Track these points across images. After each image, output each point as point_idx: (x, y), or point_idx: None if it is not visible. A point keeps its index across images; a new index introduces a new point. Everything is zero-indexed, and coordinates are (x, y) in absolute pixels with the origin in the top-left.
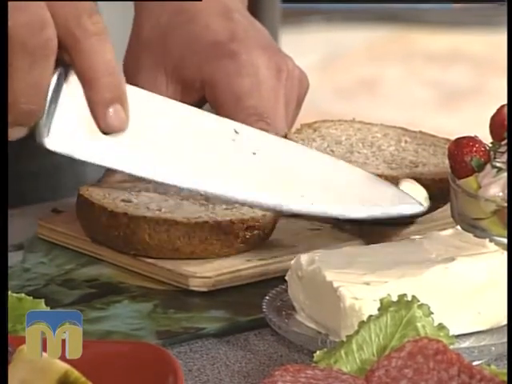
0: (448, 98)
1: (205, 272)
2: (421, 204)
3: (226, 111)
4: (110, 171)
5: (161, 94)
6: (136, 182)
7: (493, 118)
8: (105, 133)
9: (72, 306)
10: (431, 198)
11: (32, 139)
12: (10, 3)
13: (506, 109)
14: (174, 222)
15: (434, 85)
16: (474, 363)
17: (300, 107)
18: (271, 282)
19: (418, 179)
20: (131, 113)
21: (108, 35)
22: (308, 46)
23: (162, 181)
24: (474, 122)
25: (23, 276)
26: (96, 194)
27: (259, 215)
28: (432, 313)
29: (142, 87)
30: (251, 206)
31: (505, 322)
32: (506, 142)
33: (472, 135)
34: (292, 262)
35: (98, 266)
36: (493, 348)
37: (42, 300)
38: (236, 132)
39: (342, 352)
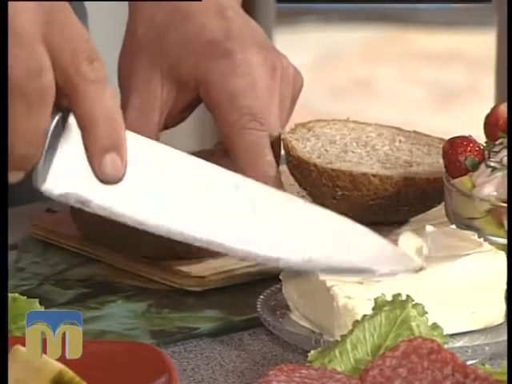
0: (443, 97)
1: (199, 272)
2: (416, 264)
3: (220, 111)
4: None
5: (155, 95)
6: None
7: (487, 118)
8: (101, 180)
9: (66, 306)
10: (425, 197)
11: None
12: (9, 48)
13: (500, 108)
14: None
15: (429, 85)
16: (468, 363)
17: (294, 105)
18: (265, 282)
19: (413, 179)
20: (131, 160)
21: (107, 82)
22: (303, 46)
23: (159, 230)
24: (469, 122)
25: (17, 276)
26: None
27: None
28: (426, 312)
29: (137, 88)
30: (249, 259)
31: (499, 321)
32: (500, 141)
33: (466, 135)
34: None
35: (92, 266)
36: (487, 347)
37: (36, 300)
38: (237, 186)
39: (337, 351)
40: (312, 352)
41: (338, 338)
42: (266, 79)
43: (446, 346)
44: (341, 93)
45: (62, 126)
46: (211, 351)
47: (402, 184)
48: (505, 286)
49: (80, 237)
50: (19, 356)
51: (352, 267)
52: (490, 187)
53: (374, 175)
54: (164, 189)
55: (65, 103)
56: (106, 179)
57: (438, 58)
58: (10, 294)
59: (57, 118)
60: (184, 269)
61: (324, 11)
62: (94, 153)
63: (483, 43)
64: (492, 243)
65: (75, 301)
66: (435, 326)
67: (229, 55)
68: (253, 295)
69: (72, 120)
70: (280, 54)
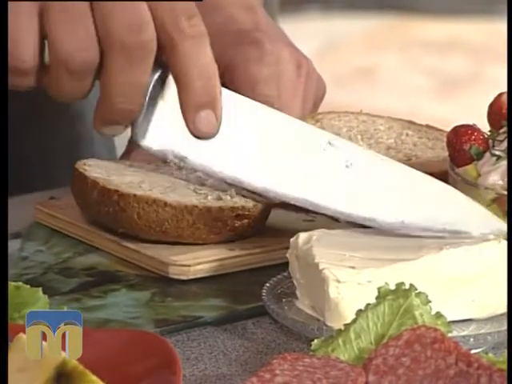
0: (446, 86)
1: (185, 260)
2: (504, 228)
3: None
4: (130, 149)
5: None
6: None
7: (491, 107)
8: (195, 136)
9: (70, 295)
10: None
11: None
12: (112, 2)
13: (504, 97)
14: (164, 204)
15: (431, 73)
16: (472, 352)
17: (316, 111)
18: (270, 271)
19: None
20: (226, 116)
21: (207, 38)
22: (306, 35)
23: (251, 187)
24: (472, 111)
25: (21, 264)
26: (91, 169)
27: (250, 205)
28: (430, 301)
29: None
30: (343, 218)
31: (500, 310)
32: (504, 130)
33: (470, 123)
34: (291, 239)
35: (95, 255)
36: (490, 337)
37: (40, 288)
38: (330, 144)
39: (340, 340)
40: (315, 341)
41: (329, 322)
42: (291, 74)
43: (449, 335)
44: (343, 81)
45: (162, 83)
46: (215, 340)
47: None
48: (506, 275)
49: (83, 222)
50: (22, 345)
51: (444, 229)
52: (495, 176)
53: None
54: (258, 147)
55: (163, 59)
56: (199, 135)
57: (441, 47)
58: (13, 283)
59: (157, 74)
60: (172, 257)
61: (327, 0)
62: (188, 108)
63: (485, 31)
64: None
65: (79, 289)
66: (439, 315)
67: (257, 44)
68: (257, 284)
69: (171, 77)
70: (306, 57)
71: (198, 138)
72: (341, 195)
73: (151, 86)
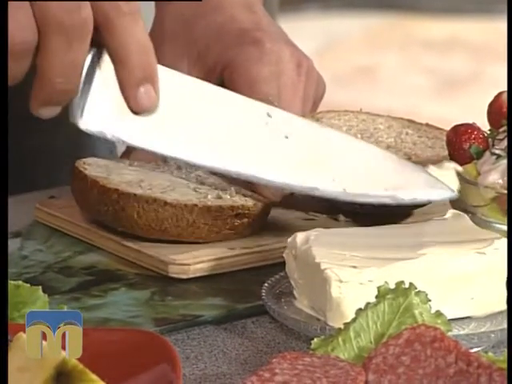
0: (446, 85)
1: (185, 259)
2: (452, 190)
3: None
4: (130, 148)
5: None
6: (149, 164)
7: (490, 106)
8: (135, 112)
9: (69, 294)
10: None
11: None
12: None
13: (504, 96)
14: (164, 203)
15: (431, 72)
16: (472, 350)
17: (315, 110)
18: (270, 270)
19: None
20: (163, 93)
21: (141, 15)
22: (305, 34)
23: (192, 161)
24: (472, 110)
25: (21, 263)
26: (90, 168)
27: (250, 204)
28: (429, 300)
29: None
30: (283, 188)
31: (499, 308)
32: (504, 129)
33: (470, 122)
34: (289, 239)
35: (95, 254)
36: (490, 335)
37: (40, 287)
38: (269, 115)
39: (340, 339)
40: (315, 340)
41: (331, 322)
42: (291, 73)
43: (449, 334)
44: (343, 80)
45: (96, 62)
46: (214, 339)
47: None
48: (506, 273)
49: (83, 222)
50: (22, 344)
51: (387, 196)
52: (495, 175)
53: None
54: (196, 122)
55: (98, 38)
56: (140, 110)
57: (441, 46)
58: (13, 282)
59: (91, 53)
60: (171, 256)
61: None
62: (128, 85)
63: (486, 30)
64: (497, 230)
65: (78, 288)
66: (438, 314)
67: (257, 43)
68: (256, 283)
69: (105, 56)
70: (306, 55)
71: (138, 113)
72: (283, 167)
73: (86, 66)
